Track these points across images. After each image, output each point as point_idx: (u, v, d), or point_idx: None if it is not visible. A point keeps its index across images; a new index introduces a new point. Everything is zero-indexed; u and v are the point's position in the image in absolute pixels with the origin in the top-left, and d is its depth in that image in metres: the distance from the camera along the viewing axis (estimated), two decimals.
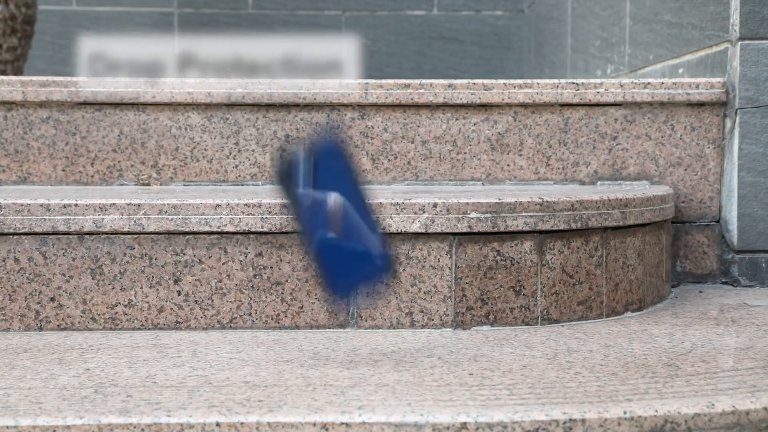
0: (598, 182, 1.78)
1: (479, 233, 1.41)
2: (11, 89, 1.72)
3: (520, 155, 1.77)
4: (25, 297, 1.39)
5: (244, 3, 3.77)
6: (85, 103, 1.73)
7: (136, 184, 1.74)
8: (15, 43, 2.70)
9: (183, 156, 1.74)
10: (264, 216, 1.39)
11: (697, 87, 1.76)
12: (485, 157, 1.77)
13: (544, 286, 1.44)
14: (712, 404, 1.02)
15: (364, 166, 1.76)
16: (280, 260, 1.40)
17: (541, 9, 3.52)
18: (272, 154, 1.17)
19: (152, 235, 1.40)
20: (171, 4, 3.75)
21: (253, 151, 1.75)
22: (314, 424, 0.98)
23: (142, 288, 1.40)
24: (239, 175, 1.75)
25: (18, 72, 2.75)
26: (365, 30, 3.78)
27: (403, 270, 1.41)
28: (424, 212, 1.40)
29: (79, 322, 1.40)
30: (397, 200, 1.40)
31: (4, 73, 2.68)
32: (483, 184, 1.77)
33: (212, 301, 1.40)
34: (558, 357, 1.24)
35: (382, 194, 1.49)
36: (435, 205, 1.40)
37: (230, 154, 1.75)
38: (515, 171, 1.77)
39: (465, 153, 1.77)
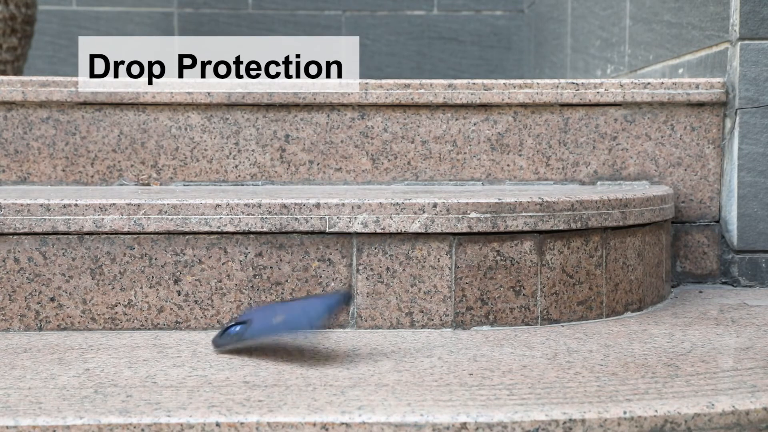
0: (598, 182, 1.78)
1: (479, 233, 1.41)
2: (11, 89, 1.72)
3: (520, 155, 1.77)
4: (25, 297, 1.39)
5: (244, 3, 3.77)
6: (85, 103, 1.73)
7: (136, 184, 1.74)
8: (15, 43, 2.70)
9: (183, 156, 1.74)
10: (264, 216, 1.40)
11: (697, 87, 1.76)
12: (485, 157, 1.77)
13: (544, 286, 1.44)
14: (712, 404, 1.02)
15: (364, 166, 1.76)
16: (280, 260, 1.40)
17: (541, 9, 3.52)
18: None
19: (152, 235, 1.40)
20: (171, 4, 3.75)
21: (253, 151, 1.75)
22: (314, 424, 0.98)
23: (142, 288, 1.40)
24: (239, 175, 1.75)
25: (18, 72, 2.75)
26: (365, 30, 3.79)
27: (403, 270, 1.41)
28: (424, 212, 1.40)
29: (79, 322, 1.40)
30: (397, 200, 1.40)
31: (4, 73, 2.68)
32: (483, 184, 1.77)
33: (212, 301, 1.40)
34: (558, 357, 1.24)
35: (382, 194, 1.49)
36: (435, 205, 1.40)
37: (230, 154, 1.75)
38: (515, 171, 1.77)
39: (465, 153, 1.77)
